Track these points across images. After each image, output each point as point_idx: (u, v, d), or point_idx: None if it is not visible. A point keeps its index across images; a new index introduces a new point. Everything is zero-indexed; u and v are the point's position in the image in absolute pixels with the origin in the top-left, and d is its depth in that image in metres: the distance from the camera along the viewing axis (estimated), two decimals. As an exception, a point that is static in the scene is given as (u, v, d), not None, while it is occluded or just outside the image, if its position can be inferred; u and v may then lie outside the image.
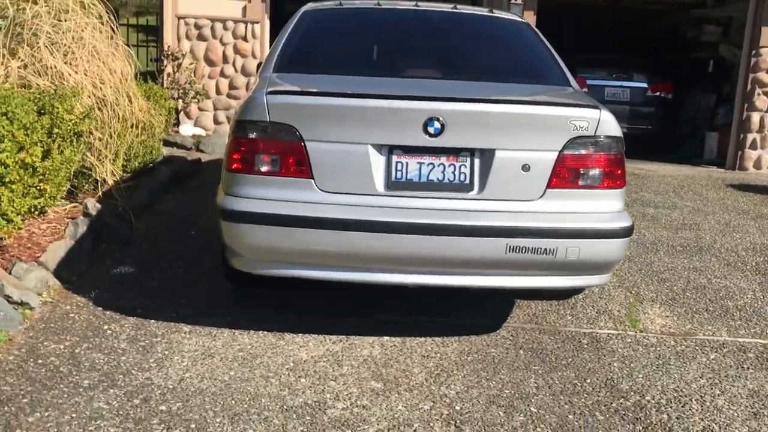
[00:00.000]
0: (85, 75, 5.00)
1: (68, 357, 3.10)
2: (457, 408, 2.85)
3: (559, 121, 3.03)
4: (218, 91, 9.31)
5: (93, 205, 4.80)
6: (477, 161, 3.04)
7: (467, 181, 3.05)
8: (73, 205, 4.99)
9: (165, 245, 4.75)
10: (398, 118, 3.01)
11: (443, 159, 3.03)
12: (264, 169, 3.06)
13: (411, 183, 3.05)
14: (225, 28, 9.18)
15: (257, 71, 3.84)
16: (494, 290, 3.58)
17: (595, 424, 2.79)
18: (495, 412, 2.83)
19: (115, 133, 5.29)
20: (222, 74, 9.28)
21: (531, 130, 3.02)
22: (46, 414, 2.66)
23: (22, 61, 4.60)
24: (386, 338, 3.43)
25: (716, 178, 8.86)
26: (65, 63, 4.88)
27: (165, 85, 8.56)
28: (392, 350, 3.31)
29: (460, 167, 3.03)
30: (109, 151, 5.28)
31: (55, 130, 4.35)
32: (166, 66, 8.72)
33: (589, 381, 3.13)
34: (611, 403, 2.95)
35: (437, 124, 2.97)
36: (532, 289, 3.42)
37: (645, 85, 10.52)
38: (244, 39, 9.23)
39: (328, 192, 3.04)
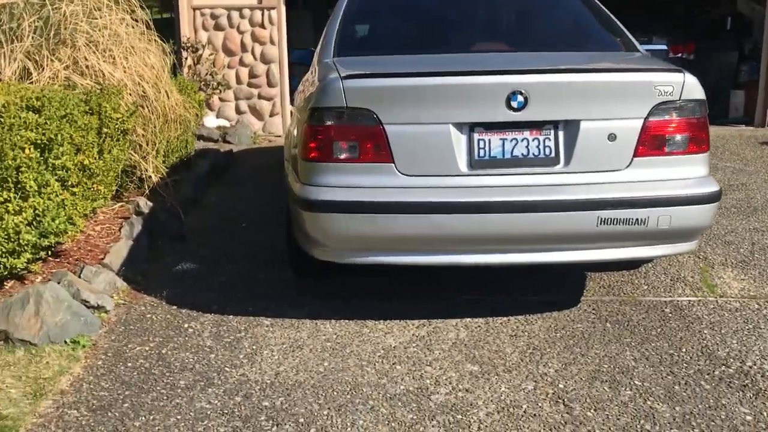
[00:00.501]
0: (125, 72, 4.93)
1: (156, 358, 3.06)
2: (561, 386, 2.80)
3: (644, 87, 2.95)
4: (238, 81, 9.22)
5: (145, 204, 4.75)
6: (561, 133, 2.97)
7: (552, 155, 2.98)
8: (120, 204, 4.94)
9: (219, 240, 4.70)
10: (480, 94, 2.94)
11: (527, 133, 2.96)
12: (343, 156, 2.99)
13: (495, 160, 2.98)
14: (241, 16, 9.07)
15: (316, 57, 3.77)
16: (580, 265, 3.53)
17: (704, 393, 2.75)
18: (600, 388, 2.79)
19: (156, 129, 5.22)
20: (241, 63, 9.18)
21: (616, 99, 2.95)
22: (151, 418, 2.62)
23: (63, 63, 4.53)
24: (468, 320, 3.38)
25: (748, 136, 8.75)
26: (104, 61, 4.80)
27: (186, 78, 8.47)
28: (478, 332, 3.27)
29: (544, 141, 2.97)
30: (151, 147, 5.22)
31: (104, 130, 4.29)
32: (186, 58, 8.62)
33: (684, 350, 3.09)
34: (713, 371, 2.91)
35: (521, 98, 2.89)
36: (621, 260, 3.37)
37: (665, 47, 10.37)
38: (261, 26, 9.12)
39: (409, 175, 2.98)
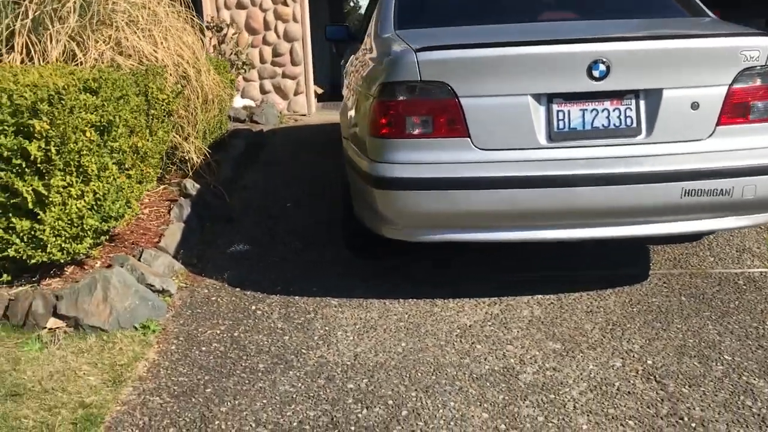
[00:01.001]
0: (165, 52, 4.84)
1: (230, 342, 3.01)
2: (650, 362, 2.74)
3: (730, 53, 2.85)
4: (262, 60, 9.12)
5: (192, 186, 4.68)
6: (643, 103, 2.88)
7: (634, 125, 2.89)
8: (163, 186, 4.88)
9: (266, 220, 4.64)
10: (560, 63, 2.84)
11: (607, 104, 2.87)
12: (416, 131, 2.91)
13: (574, 132, 2.89)
14: (264, -6, 8.95)
15: (373, 32, 3.67)
16: (661, 238, 3.45)
17: (798, 366, 2.68)
18: (690, 363, 2.72)
19: (197, 109, 5.14)
20: (265, 42, 9.07)
21: (700, 65, 2.85)
22: (237, 403, 2.57)
23: (107, 43, 4.44)
24: (539, 297, 3.32)
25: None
26: (145, 41, 4.71)
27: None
28: (552, 309, 3.20)
29: (625, 111, 2.87)
30: (192, 128, 5.15)
31: (151, 111, 4.21)
32: (210, 38, 8.50)
33: (768, 323, 3.02)
34: (803, 344, 2.84)
35: (602, 67, 2.80)
36: (704, 232, 3.29)
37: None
38: (284, 3, 8.99)
39: (486, 150, 2.89)
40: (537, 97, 2.87)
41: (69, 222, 3.16)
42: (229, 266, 3.86)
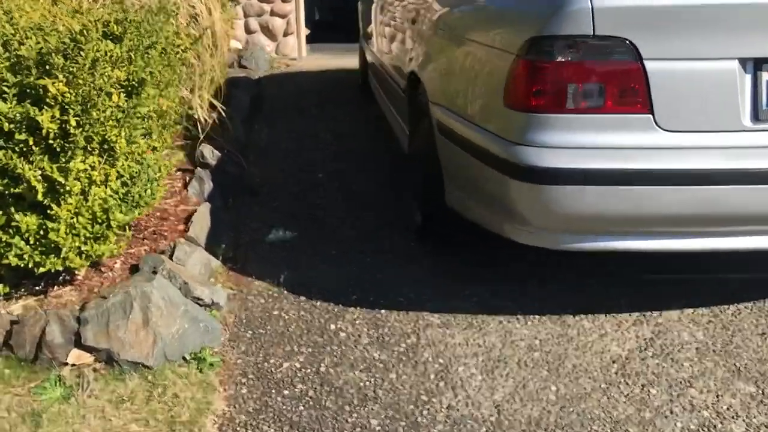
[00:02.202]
0: (172, -16, 3.90)
1: (319, 382, 2.26)
2: None
3: None
4: (248, -5, 8.11)
5: (211, 153, 3.83)
6: None
7: None
8: (166, 152, 4.01)
9: (298, 195, 3.86)
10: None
11: (837, 74, 2.16)
12: (581, 104, 2.16)
13: (789, 111, 2.18)
14: None
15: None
16: None
17: None
18: None
19: (207, 57, 4.25)
20: (251, -26, 8.05)
21: None
22: (362, 487, 1.84)
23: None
24: (689, 311, 2.65)
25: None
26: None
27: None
28: (715, 330, 2.54)
29: None
30: (201, 80, 4.26)
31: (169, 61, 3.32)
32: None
33: None
34: None
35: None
36: None
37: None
38: (274, -70, 7.96)
39: (672, 131, 2.16)
40: (743, 62, 2.14)
41: (91, 217, 2.33)
42: (276, 261, 3.08)
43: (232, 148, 4.28)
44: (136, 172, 2.48)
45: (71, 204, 2.28)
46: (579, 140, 2.17)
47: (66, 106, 2.16)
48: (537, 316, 2.62)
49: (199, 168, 3.73)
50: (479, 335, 2.50)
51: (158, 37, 2.65)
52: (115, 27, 2.43)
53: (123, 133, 2.34)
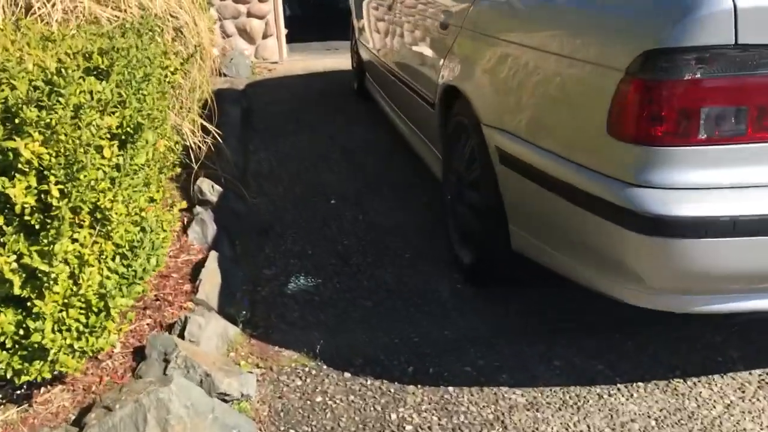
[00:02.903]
0: (152, -6, 3.36)
1: (395, 504, 1.76)
2: None
3: None
4: (222, -5, 7.53)
5: (210, 188, 3.29)
6: None
7: None
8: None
9: (315, 229, 3.36)
10: None
11: None
12: (719, 132, 1.67)
13: None
14: None
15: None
16: None
17: None
18: None
19: (196, 72, 3.71)
20: (224, -27, 7.47)
21: None
22: None
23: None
24: (742, 376, 2.19)
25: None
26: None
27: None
28: None
29: None
30: (187, 97, 3.73)
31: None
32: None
33: None
34: None
35: None
36: None
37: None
38: (247, -76, 7.39)
39: (830, 163, 1.69)
40: None
41: (85, 307, 1.80)
42: (304, 320, 2.58)
43: (230, 177, 3.75)
44: (138, 241, 1.94)
45: (58, 294, 1.75)
46: (716, 178, 1.69)
47: (45, 172, 1.62)
48: (641, 384, 2.14)
49: (198, 207, 3.20)
50: (579, 418, 2.02)
51: (152, 67, 2.11)
52: (99, 59, 1.89)
53: (120, 196, 1.81)
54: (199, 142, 3.61)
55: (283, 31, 7.86)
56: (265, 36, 7.82)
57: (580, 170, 1.89)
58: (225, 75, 6.88)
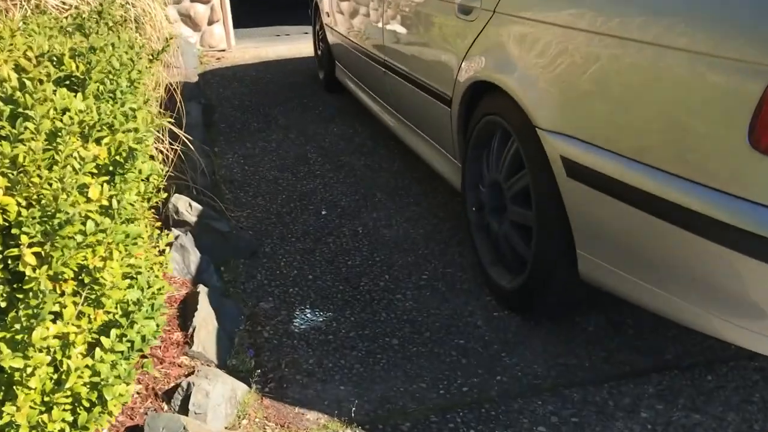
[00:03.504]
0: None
1: None
2: None
3: None
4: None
5: (187, 207, 2.80)
6: None
7: None
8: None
9: (310, 247, 2.92)
10: None
11: None
12: None
13: None
14: None
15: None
16: None
17: None
18: None
19: (159, 66, 3.22)
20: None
21: None
22: None
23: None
24: None
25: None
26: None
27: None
28: None
29: None
30: (156, 95, 3.26)
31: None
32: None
33: None
34: None
35: None
36: None
37: None
38: None
39: None
40: None
41: (72, 403, 1.33)
42: (322, 368, 2.15)
43: (202, 189, 3.25)
44: (135, 302, 1.47)
45: (34, 390, 1.26)
46: None
47: (13, 230, 1.14)
48: (751, 438, 1.79)
49: (175, 229, 2.70)
50: (692, 489, 1.65)
51: (137, 71, 1.62)
52: (72, 64, 1.39)
53: (115, 253, 1.33)
54: (168, 150, 3.11)
55: (230, 17, 7.29)
56: (210, 22, 7.23)
57: (699, 190, 1.51)
58: (170, 65, 6.27)
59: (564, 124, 1.88)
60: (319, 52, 5.37)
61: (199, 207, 2.81)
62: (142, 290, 1.47)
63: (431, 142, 2.94)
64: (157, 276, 1.74)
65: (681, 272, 1.63)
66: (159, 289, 1.68)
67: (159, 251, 1.90)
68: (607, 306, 2.37)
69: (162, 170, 2.12)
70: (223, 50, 7.24)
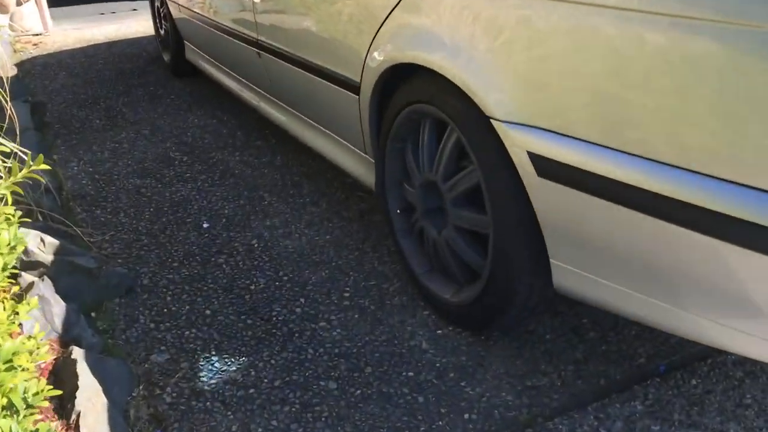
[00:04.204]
0: None
1: None
2: None
3: None
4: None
5: (39, 245, 2.22)
6: None
7: None
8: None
9: (198, 273, 2.45)
10: None
11: None
12: None
13: None
14: None
15: None
16: None
17: None
18: None
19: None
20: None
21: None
22: None
23: None
24: None
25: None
26: None
27: None
28: None
29: None
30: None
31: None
32: None
33: None
34: None
35: None
36: None
37: None
38: None
39: None
40: None
41: None
42: (257, 438, 1.72)
43: (49, 211, 2.66)
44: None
45: None
46: None
47: None
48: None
49: (25, 274, 2.12)
50: None
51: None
52: None
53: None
54: (-3, 167, 2.48)
55: (45, -6, 6.37)
56: (19, 2, 6.27)
57: (718, 186, 1.23)
58: (-21, 57, 5.34)
59: (532, 114, 1.55)
60: (162, 32, 4.72)
61: (55, 242, 2.24)
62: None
63: (333, 136, 2.53)
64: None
65: (692, 279, 1.36)
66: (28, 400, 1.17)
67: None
68: (559, 306, 2.12)
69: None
70: (40, 34, 6.33)
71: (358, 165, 2.41)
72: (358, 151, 2.38)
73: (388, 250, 2.49)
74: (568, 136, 1.49)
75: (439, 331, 2.06)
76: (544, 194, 1.58)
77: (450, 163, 1.90)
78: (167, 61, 4.67)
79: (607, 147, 1.41)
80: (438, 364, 1.93)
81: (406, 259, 2.20)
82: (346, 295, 2.25)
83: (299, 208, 2.82)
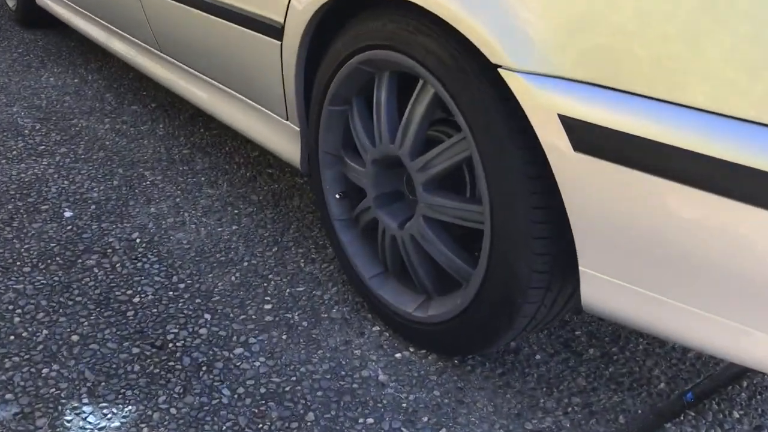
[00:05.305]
0: None
1: None
2: None
3: None
4: None
5: None
6: None
7: None
8: None
9: (62, 284, 1.84)
10: None
11: None
12: None
13: None
14: None
15: None
16: None
17: None
18: None
19: None
20: None
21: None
22: None
23: None
24: None
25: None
26: None
27: None
28: None
29: None
30: None
31: None
32: None
33: None
34: None
35: None
36: None
37: None
38: None
39: None
40: None
41: None
42: None
43: None
44: None
45: None
46: None
47: None
48: None
49: None
50: None
51: None
52: None
53: None
54: None
55: None
56: None
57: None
58: None
59: (571, 60, 1.05)
60: (5, -29, 3.85)
61: None
62: None
63: (241, 97, 1.94)
64: None
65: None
66: None
67: None
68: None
69: None
70: None
71: (277, 135, 1.84)
72: (277, 117, 1.80)
73: (315, 244, 1.95)
74: (624, 91, 1.01)
75: (398, 355, 1.56)
76: (581, 177, 1.10)
77: (421, 131, 1.38)
78: (12, 6, 3.83)
79: (684, 106, 0.94)
80: (404, 404, 1.43)
81: (348, 258, 1.67)
82: (267, 307, 1.70)
83: (192, 189, 2.22)
